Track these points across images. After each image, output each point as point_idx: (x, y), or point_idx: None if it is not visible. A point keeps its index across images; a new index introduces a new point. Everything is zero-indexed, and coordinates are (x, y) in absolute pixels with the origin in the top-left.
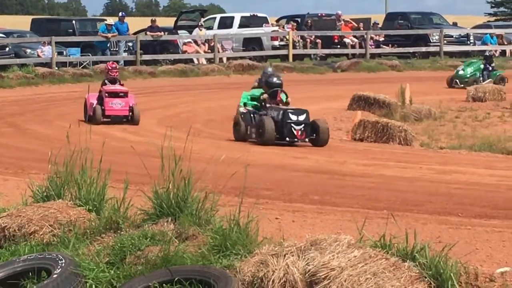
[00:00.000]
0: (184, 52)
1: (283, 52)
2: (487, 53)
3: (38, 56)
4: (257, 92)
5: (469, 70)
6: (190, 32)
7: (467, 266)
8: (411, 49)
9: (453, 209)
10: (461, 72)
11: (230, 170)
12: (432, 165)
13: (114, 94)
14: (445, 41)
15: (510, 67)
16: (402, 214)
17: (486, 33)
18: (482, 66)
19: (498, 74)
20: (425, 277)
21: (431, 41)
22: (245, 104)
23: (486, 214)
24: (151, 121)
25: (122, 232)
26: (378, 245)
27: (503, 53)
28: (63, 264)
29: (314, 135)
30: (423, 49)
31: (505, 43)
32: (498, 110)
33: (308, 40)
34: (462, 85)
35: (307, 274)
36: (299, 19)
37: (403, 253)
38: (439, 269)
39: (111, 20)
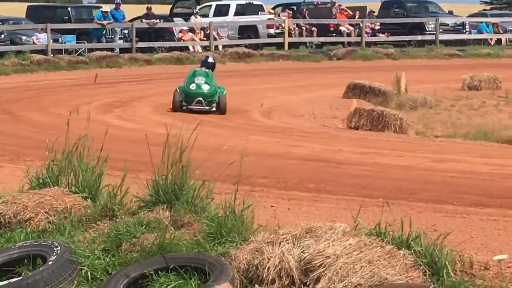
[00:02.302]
0: (180, 39)
1: (278, 40)
2: None
3: (34, 43)
4: None
5: None
6: (186, 20)
7: (462, 254)
8: (406, 38)
9: (448, 197)
10: None
11: (224, 157)
12: (427, 154)
13: None
14: (440, 30)
15: (506, 55)
16: (397, 202)
17: (482, 22)
18: None
19: None
20: (420, 265)
21: (427, 29)
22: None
23: (481, 203)
24: (146, 108)
25: (117, 219)
26: (373, 233)
27: (498, 41)
28: (59, 251)
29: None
30: (419, 37)
31: (501, 31)
32: (493, 99)
33: (304, 28)
34: None
35: (302, 262)
36: (294, 7)
37: (398, 241)
38: (434, 257)
39: (107, 7)
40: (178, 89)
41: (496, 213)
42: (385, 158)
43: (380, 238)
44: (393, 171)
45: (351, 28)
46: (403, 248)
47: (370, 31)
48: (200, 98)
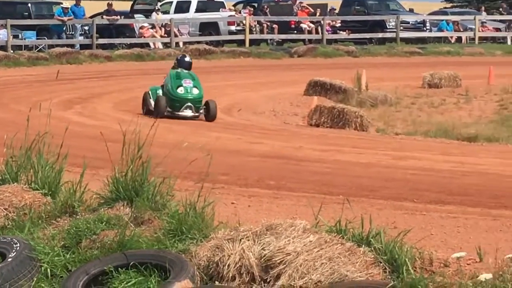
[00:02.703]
0: (141, 36)
1: (239, 37)
2: None
3: None
4: None
5: None
6: (147, 16)
7: (422, 251)
8: (367, 35)
9: (409, 194)
10: None
11: (185, 154)
12: (387, 151)
13: None
14: (401, 27)
15: (466, 53)
16: (357, 199)
17: (442, 20)
18: None
19: None
20: (380, 262)
21: (388, 27)
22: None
23: (441, 200)
24: (107, 105)
25: (77, 216)
26: (334, 230)
27: (459, 39)
28: (18, 248)
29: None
30: (380, 35)
31: (461, 29)
32: (453, 97)
33: (265, 25)
34: None
35: (262, 259)
36: (256, 4)
37: (359, 238)
38: (394, 254)
39: (67, 4)
40: (151, 91)
41: (456, 210)
42: (346, 155)
43: (341, 235)
44: (354, 168)
45: (312, 25)
46: (363, 245)
47: (331, 29)
48: (190, 104)
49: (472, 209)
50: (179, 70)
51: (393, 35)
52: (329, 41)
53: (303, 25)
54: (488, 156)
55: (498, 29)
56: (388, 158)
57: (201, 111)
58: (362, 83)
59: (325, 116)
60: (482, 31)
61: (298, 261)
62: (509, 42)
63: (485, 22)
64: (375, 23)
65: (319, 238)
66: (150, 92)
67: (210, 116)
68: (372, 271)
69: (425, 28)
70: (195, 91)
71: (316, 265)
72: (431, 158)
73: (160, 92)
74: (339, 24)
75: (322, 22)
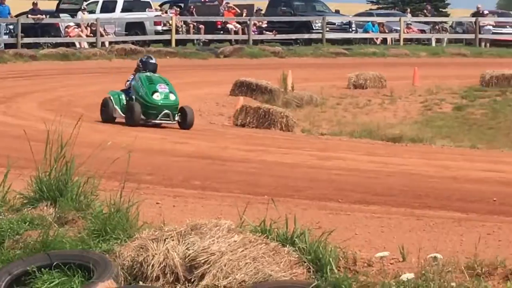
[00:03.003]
0: (66, 35)
1: (166, 37)
2: None
3: None
4: None
5: None
6: (73, 16)
7: (346, 251)
8: (293, 36)
9: (333, 195)
10: None
11: (110, 154)
12: (313, 151)
13: None
14: (327, 29)
15: (391, 54)
16: (283, 199)
17: (368, 21)
18: None
19: None
20: (305, 262)
21: (314, 28)
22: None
23: (365, 200)
24: (31, 104)
25: (0, 217)
26: (258, 230)
27: (384, 41)
28: None
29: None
30: (306, 36)
31: (386, 31)
32: (378, 97)
33: (191, 25)
34: None
35: (187, 259)
36: (182, 4)
37: (283, 238)
38: (318, 254)
39: None
40: (113, 97)
41: (380, 210)
42: (271, 155)
43: (265, 235)
44: (279, 169)
45: (239, 26)
46: (287, 245)
47: (257, 29)
48: (168, 111)
49: (396, 209)
50: (148, 73)
51: (319, 36)
52: (256, 42)
53: (229, 26)
54: (412, 156)
55: (423, 31)
56: (313, 159)
57: (176, 118)
58: (288, 83)
59: (250, 117)
60: (407, 32)
61: (223, 261)
62: (433, 44)
63: (410, 24)
64: (301, 24)
65: (244, 238)
66: (111, 98)
67: (186, 124)
68: (296, 270)
69: (351, 30)
70: (172, 97)
71: (240, 265)
72: (356, 158)
73: (123, 97)
74: (266, 25)
75: (248, 22)
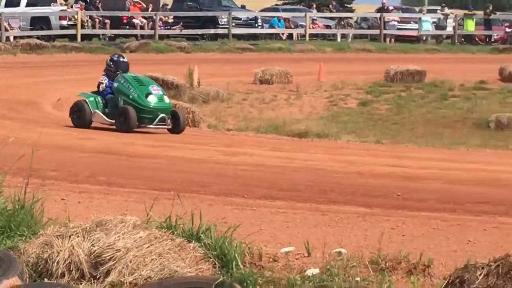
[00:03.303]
0: None
1: (71, 31)
2: None
3: None
4: None
5: None
6: None
7: (252, 246)
8: (199, 31)
9: (239, 190)
10: None
11: (14, 150)
12: (219, 147)
13: None
14: (233, 24)
15: (297, 50)
16: (188, 195)
17: (274, 17)
18: None
19: None
20: (210, 258)
21: (220, 23)
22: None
23: (271, 196)
24: None
25: None
26: (164, 226)
27: (290, 36)
28: None
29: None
30: (212, 31)
31: (292, 26)
32: (284, 93)
33: (97, 20)
34: None
35: (92, 255)
36: None
37: (189, 234)
38: (224, 249)
39: None
40: (89, 101)
41: (285, 205)
42: (177, 151)
43: (171, 231)
44: (185, 164)
45: (145, 20)
46: (193, 241)
47: (163, 24)
48: (163, 115)
49: (301, 204)
50: (130, 73)
51: (225, 31)
52: (162, 37)
53: (135, 21)
54: (318, 152)
55: (328, 26)
56: (219, 154)
57: (168, 121)
58: (194, 79)
59: None
60: (313, 28)
61: (128, 257)
62: (339, 39)
63: (316, 19)
64: (207, 19)
65: (149, 234)
66: (87, 101)
67: (179, 129)
68: (202, 266)
69: (257, 25)
70: (167, 100)
71: (146, 261)
72: (262, 154)
73: (99, 100)
74: (172, 20)
75: (154, 17)
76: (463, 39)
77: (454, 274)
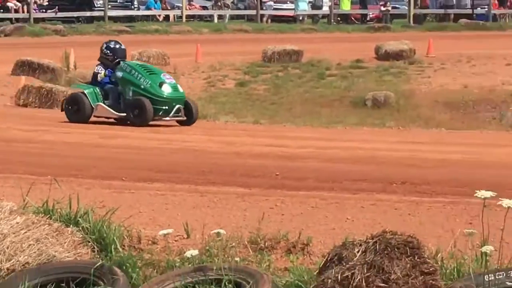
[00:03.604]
0: None
1: None
2: None
3: None
4: None
5: None
6: None
7: (131, 229)
8: (75, 14)
9: (117, 173)
10: None
11: None
12: (96, 130)
13: None
14: (109, 6)
15: (174, 32)
16: (66, 179)
17: None
18: None
19: None
20: (89, 242)
21: (96, 5)
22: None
23: (149, 178)
24: None
25: None
26: (41, 211)
27: (167, 18)
28: None
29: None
30: (88, 13)
31: (169, 8)
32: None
33: None
34: None
35: None
36: None
37: (67, 218)
38: (102, 233)
39: None
40: (88, 93)
41: (164, 187)
42: (54, 135)
43: (48, 215)
44: (63, 148)
45: (19, 4)
46: (71, 225)
47: (38, 8)
48: (179, 105)
49: (180, 186)
50: (134, 61)
51: (101, 13)
52: (37, 20)
53: (9, 4)
54: (196, 133)
55: (205, 7)
56: (97, 138)
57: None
58: (70, 62)
59: (33, 96)
60: (189, 9)
61: (5, 243)
62: (216, 20)
63: (192, 1)
64: (82, 1)
65: (27, 220)
66: (86, 93)
67: (193, 119)
68: (81, 250)
69: (133, 7)
70: (181, 89)
71: (23, 247)
72: (140, 136)
73: (98, 91)
74: (47, 3)
75: (29, 1)
76: (339, 19)
77: (333, 251)
